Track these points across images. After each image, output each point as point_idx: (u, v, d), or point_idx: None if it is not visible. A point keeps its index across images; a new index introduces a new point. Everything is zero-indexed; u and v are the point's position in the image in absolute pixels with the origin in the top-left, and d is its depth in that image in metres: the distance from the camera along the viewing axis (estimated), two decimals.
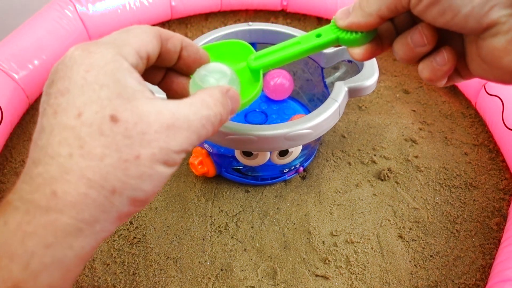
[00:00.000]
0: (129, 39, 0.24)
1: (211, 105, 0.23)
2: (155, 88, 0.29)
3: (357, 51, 0.27)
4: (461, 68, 0.26)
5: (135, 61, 0.23)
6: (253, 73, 0.29)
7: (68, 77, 0.22)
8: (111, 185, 0.21)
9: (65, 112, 0.21)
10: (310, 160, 0.45)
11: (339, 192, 0.42)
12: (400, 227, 0.40)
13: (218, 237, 0.39)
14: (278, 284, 0.36)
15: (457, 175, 0.44)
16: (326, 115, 0.37)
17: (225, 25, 0.61)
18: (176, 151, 0.22)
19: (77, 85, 0.21)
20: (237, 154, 0.40)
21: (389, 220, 0.40)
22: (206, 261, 0.37)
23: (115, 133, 0.21)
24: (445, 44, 0.25)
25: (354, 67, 0.42)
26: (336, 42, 0.27)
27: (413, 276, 0.37)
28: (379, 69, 0.43)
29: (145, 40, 0.24)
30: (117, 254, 0.38)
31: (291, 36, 0.44)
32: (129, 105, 0.21)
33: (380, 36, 0.27)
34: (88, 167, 0.20)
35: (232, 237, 0.39)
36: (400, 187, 0.43)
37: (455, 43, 0.25)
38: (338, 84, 0.39)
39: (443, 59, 0.25)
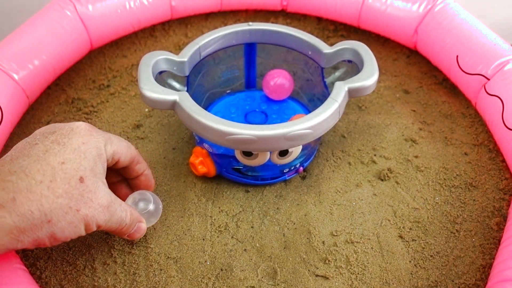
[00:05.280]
0: (117, 143, 0.33)
1: (128, 217, 0.34)
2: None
3: None
4: None
5: (109, 156, 0.33)
6: None
7: (69, 137, 0.31)
8: (51, 216, 0.28)
9: (53, 155, 0.29)
10: (310, 160, 0.45)
11: (339, 192, 0.42)
12: (400, 227, 0.40)
13: (218, 237, 0.39)
14: (278, 284, 0.36)
15: (457, 175, 0.44)
16: (326, 115, 0.37)
17: (225, 25, 0.61)
18: (97, 224, 0.31)
19: (72, 146, 0.30)
20: (237, 154, 0.40)
21: (389, 220, 0.40)
22: (206, 261, 0.37)
23: (76, 188, 0.29)
24: None
25: (354, 67, 0.42)
26: None
27: (413, 276, 0.37)
28: (379, 69, 0.44)
29: (123, 152, 0.34)
30: (117, 254, 0.38)
31: (291, 36, 0.44)
32: (94, 178, 0.31)
33: None
34: (46, 196, 0.28)
35: (232, 237, 0.39)
36: (400, 187, 0.43)
37: None
38: (338, 84, 0.39)
39: None
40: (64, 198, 0.29)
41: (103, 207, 0.31)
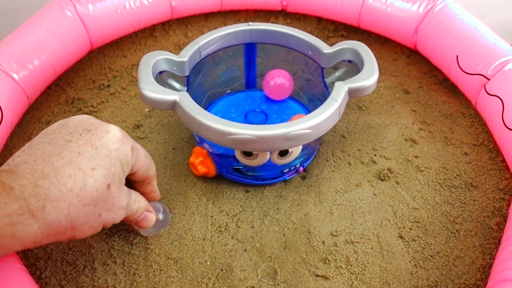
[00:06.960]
0: (141, 157, 0.34)
1: (136, 205, 0.35)
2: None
3: None
4: None
5: (132, 165, 0.33)
6: None
7: (102, 141, 0.31)
8: (75, 223, 0.30)
9: (86, 159, 0.30)
10: (310, 160, 0.45)
11: (339, 192, 0.42)
12: (400, 227, 0.40)
13: (218, 237, 0.39)
14: (278, 284, 0.36)
15: (457, 175, 0.44)
16: (326, 115, 0.37)
17: (225, 25, 0.61)
18: (114, 223, 0.33)
19: (105, 151, 0.31)
20: (237, 154, 0.40)
21: (389, 220, 0.40)
22: (206, 261, 0.37)
23: (102, 195, 0.30)
24: None
25: (355, 67, 0.42)
26: None
27: (413, 276, 0.37)
28: (379, 69, 0.43)
29: (143, 168, 0.35)
30: (117, 254, 0.38)
31: (291, 36, 0.44)
32: (119, 183, 0.32)
33: None
34: (74, 205, 0.29)
35: (232, 237, 0.39)
36: (400, 187, 0.43)
37: None
38: (338, 84, 0.39)
39: None
40: (90, 205, 0.30)
41: (122, 208, 0.33)
